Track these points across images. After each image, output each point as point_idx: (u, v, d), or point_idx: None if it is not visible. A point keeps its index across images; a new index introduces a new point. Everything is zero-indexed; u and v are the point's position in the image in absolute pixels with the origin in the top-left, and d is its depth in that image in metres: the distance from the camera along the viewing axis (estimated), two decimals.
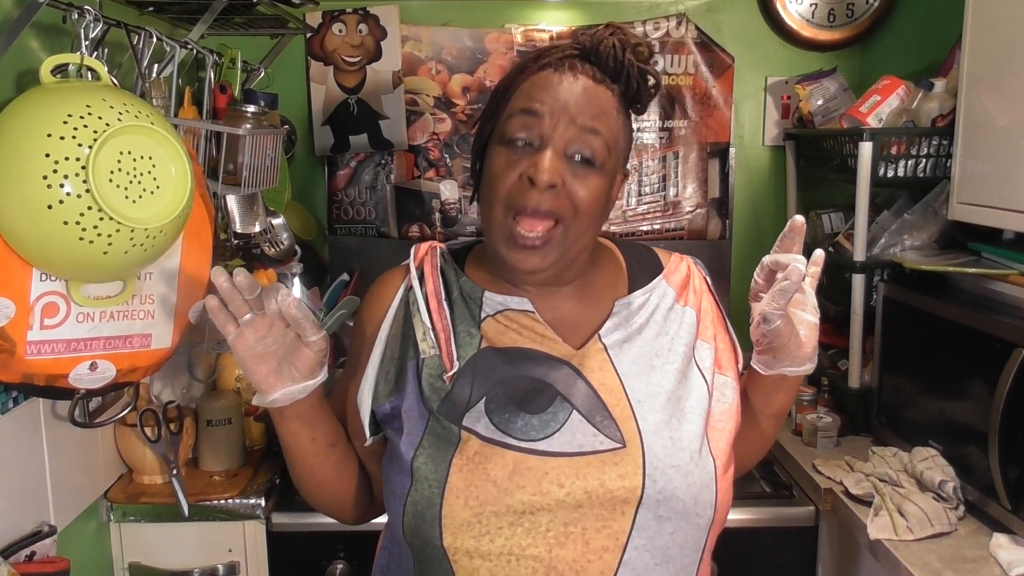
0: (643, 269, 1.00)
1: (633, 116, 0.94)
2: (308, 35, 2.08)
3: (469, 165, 0.98)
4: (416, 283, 0.95)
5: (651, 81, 0.91)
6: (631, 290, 0.97)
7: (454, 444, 0.85)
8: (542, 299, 0.94)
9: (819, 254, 0.92)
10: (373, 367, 0.93)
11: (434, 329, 0.91)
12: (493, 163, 0.89)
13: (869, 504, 1.45)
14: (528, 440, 0.84)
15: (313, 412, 0.91)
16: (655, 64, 0.93)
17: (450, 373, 0.88)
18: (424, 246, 0.99)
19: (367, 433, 0.92)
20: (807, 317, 0.91)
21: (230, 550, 1.60)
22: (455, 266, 0.97)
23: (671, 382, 0.90)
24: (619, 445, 0.84)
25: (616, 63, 0.89)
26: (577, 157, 0.87)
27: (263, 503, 1.58)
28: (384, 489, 0.92)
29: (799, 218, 0.89)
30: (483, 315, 0.92)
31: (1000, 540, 1.32)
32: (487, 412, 0.86)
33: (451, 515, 0.82)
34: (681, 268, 1.01)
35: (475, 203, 1.02)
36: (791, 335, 0.90)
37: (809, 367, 0.94)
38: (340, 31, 2.10)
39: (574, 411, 0.86)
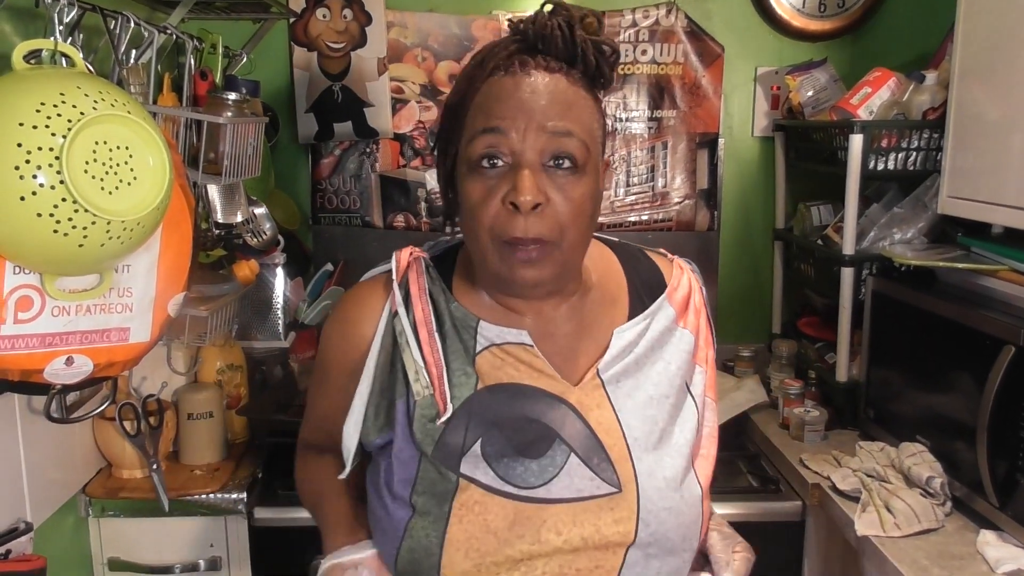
0: (644, 286, 0.96)
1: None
2: (291, 20, 2.03)
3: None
4: (402, 309, 0.88)
5: (608, 51, 0.84)
6: (632, 313, 0.93)
7: (451, 491, 0.83)
8: (540, 328, 0.90)
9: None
10: (361, 400, 0.89)
11: (426, 365, 0.86)
12: (469, 192, 0.82)
13: (856, 500, 1.46)
14: (528, 487, 0.83)
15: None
16: (605, 30, 0.88)
17: (444, 418, 0.84)
18: (405, 256, 0.92)
19: (348, 466, 0.90)
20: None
21: (212, 545, 1.58)
22: (443, 286, 0.91)
23: (665, 416, 0.90)
24: (615, 490, 0.84)
25: (567, 44, 0.81)
26: (554, 163, 0.80)
27: (245, 498, 1.56)
28: (372, 523, 0.90)
29: None
30: (478, 348, 0.87)
31: (987, 537, 1.32)
32: (485, 458, 0.83)
33: (451, 566, 0.82)
34: (683, 284, 0.97)
35: (447, 220, 1.01)
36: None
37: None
38: (324, 16, 2.05)
39: (572, 454, 0.85)
